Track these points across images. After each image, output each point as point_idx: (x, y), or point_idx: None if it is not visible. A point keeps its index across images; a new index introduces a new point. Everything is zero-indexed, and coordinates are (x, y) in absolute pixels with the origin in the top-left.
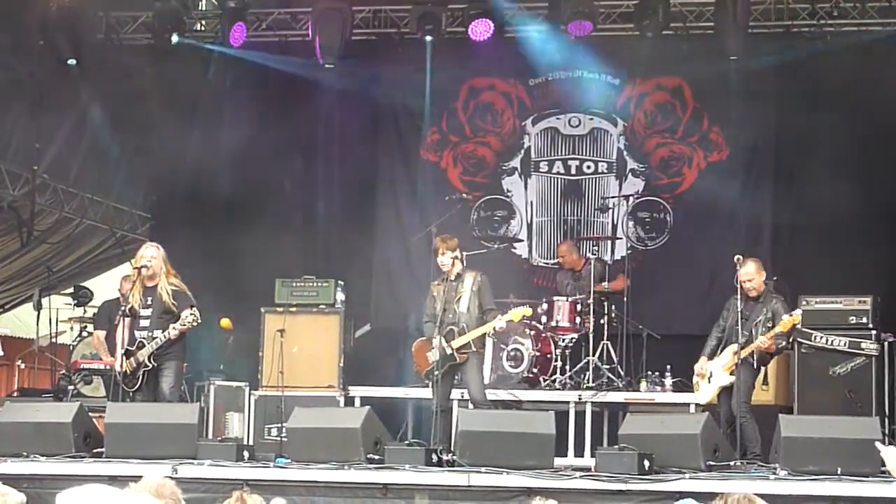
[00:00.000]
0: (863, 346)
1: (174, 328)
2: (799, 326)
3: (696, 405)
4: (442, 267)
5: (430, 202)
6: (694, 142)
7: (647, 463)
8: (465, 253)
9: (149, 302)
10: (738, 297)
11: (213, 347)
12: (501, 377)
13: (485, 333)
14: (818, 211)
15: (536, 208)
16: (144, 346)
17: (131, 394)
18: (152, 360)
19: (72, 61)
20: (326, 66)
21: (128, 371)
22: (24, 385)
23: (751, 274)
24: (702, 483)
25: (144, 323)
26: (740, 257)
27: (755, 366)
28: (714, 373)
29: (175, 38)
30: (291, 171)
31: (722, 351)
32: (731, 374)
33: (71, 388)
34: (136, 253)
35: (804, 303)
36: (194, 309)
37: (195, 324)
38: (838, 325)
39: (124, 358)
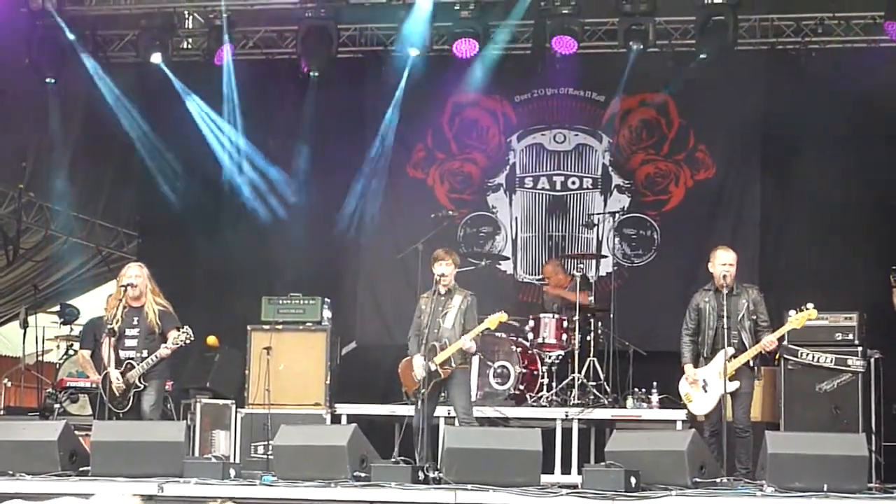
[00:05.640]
0: (849, 362)
1: (166, 347)
2: (786, 343)
3: (683, 422)
4: (440, 277)
5: (416, 219)
6: (680, 160)
7: (633, 480)
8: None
9: (135, 322)
10: (723, 293)
11: (199, 365)
12: (488, 394)
13: (469, 350)
14: (807, 229)
15: (521, 224)
16: (134, 367)
17: (121, 415)
18: (142, 381)
19: (50, 80)
20: (311, 74)
21: (117, 393)
22: (11, 403)
23: (733, 261)
24: (688, 500)
25: (131, 343)
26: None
27: (755, 369)
28: (709, 381)
29: (157, 59)
30: (277, 188)
31: (711, 356)
32: (731, 380)
33: (57, 406)
34: (120, 273)
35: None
36: (187, 328)
37: (188, 342)
38: (824, 342)
39: (114, 380)
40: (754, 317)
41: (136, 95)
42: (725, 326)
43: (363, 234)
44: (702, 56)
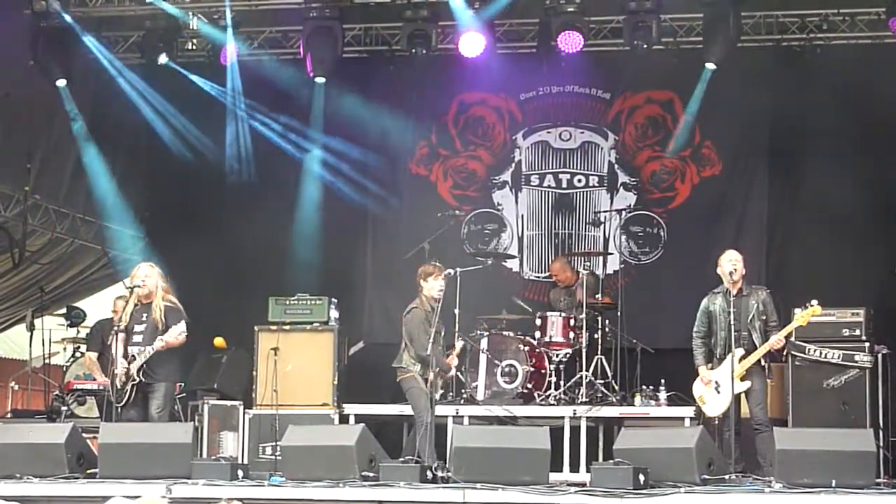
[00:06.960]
0: (856, 358)
1: (161, 339)
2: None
3: (691, 419)
4: (438, 294)
5: (420, 217)
6: (686, 156)
7: (642, 477)
8: (458, 269)
9: (143, 318)
10: (729, 296)
11: (207, 366)
12: (496, 393)
13: None
14: (813, 225)
15: (527, 222)
16: (136, 359)
17: (119, 409)
18: (141, 375)
19: (61, 82)
20: (317, 79)
21: (118, 386)
22: (18, 406)
23: (739, 258)
24: (697, 497)
25: (138, 339)
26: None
27: (766, 368)
28: (721, 382)
29: (164, 59)
30: (283, 187)
31: (723, 357)
32: (743, 380)
33: (64, 408)
34: (131, 273)
35: (797, 316)
36: (182, 324)
37: (181, 338)
38: (832, 338)
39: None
40: (763, 317)
41: (143, 96)
42: (735, 329)
43: (369, 232)
44: (709, 66)
